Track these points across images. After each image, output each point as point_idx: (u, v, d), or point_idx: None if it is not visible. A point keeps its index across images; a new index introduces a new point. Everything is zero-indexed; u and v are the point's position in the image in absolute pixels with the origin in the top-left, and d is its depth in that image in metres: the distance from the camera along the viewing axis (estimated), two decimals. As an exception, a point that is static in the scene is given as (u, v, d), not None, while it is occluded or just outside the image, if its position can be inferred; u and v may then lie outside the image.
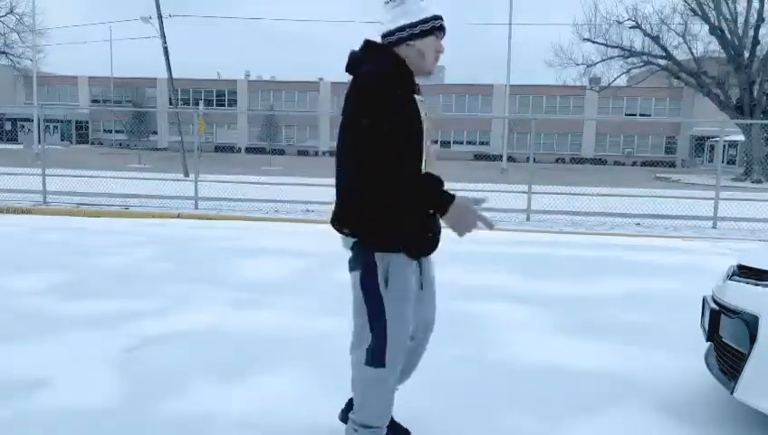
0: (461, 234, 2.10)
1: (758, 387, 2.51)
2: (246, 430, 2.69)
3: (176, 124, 23.25)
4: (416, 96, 2.14)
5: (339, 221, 2.25)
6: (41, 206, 10.29)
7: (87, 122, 55.83)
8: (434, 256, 2.39)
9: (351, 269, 2.25)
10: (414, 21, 2.14)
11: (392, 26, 2.16)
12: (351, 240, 2.21)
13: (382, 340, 2.18)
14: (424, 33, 2.15)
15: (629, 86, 38.76)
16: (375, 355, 2.19)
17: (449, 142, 50.05)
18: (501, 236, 8.47)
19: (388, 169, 2.00)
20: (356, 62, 2.16)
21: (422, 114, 2.13)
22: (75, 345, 3.66)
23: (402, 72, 2.13)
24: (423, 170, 2.13)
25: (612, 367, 3.53)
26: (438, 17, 2.18)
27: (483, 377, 3.39)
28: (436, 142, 3.28)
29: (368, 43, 2.20)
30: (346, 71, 2.18)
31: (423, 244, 2.23)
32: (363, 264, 2.18)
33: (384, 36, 2.18)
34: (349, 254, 2.27)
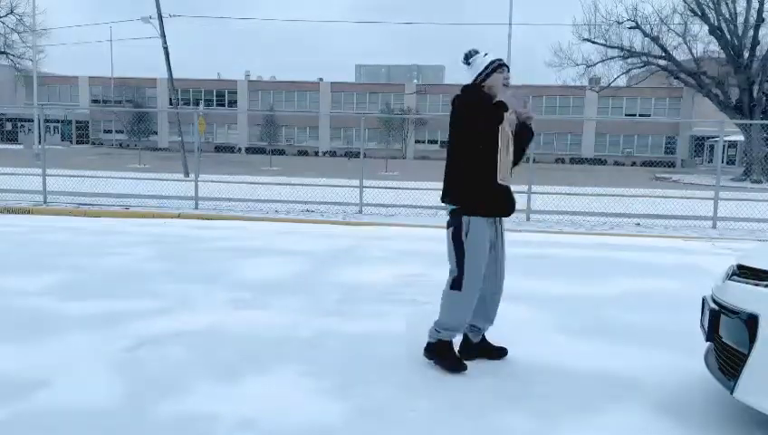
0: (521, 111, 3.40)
1: (758, 387, 2.51)
2: (246, 430, 2.69)
3: (176, 124, 23.26)
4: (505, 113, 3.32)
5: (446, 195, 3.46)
6: (41, 206, 10.29)
7: (87, 122, 55.81)
8: (491, 231, 3.45)
9: (448, 226, 3.44)
10: (481, 70, 3.41)
11: (474, 77, 3.43)
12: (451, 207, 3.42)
13: (461, 273, 3.37)
14: (488, 75, 3.38)
15: (629, 86, 38.74)
16: (455, 283, 3.40)
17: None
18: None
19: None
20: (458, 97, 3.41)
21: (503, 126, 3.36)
22: (75, 345, 3.66)
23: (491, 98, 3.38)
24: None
25: (612, 367, 3.54)
26: (495, 61, 3.41)
27: (483, 376, 3.40)
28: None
29: (466, 86, 3.47)
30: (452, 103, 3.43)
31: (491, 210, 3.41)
32: (455, 223, 3.39)
33: (474, 81, 3.44)
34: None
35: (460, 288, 3.36)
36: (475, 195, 3.32)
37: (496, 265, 3.49)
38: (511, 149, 3.42)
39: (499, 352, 3.65)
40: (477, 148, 3.29)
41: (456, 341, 3.59)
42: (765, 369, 2.48)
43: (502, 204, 3.40)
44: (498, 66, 3.37)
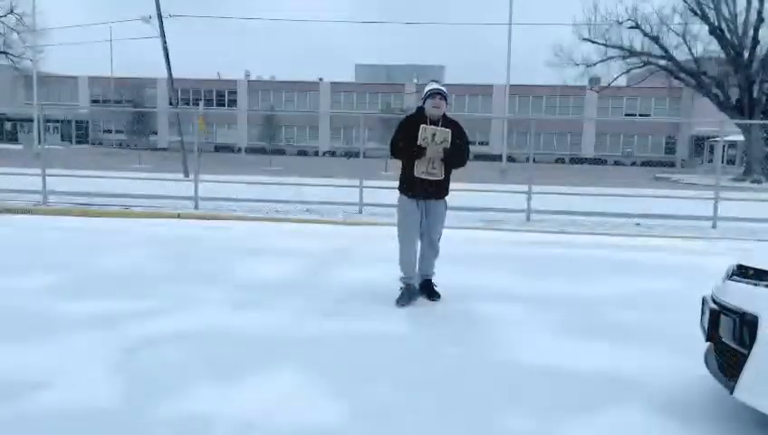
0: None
1: (758, 387, 2.51)
2: (246, 431, 2.69)
3: (176, 124, 23.25)
4: (423, 125, 4.66)
5: None
6: (41, 206, 10.29)
7: (87, 122, 55.77)
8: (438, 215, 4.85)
9: None
10: (422, 97, 4.79)
11: (421, 100, 4.85)
12: None
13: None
14: (425, 99, 4.75)
15: (629, 86, 38.75)
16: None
17: (449, 142, 49.87)
18: (501, 236, 8.46)
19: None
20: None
21: (422, 132, 4.62)
22: (75, 345, 3.66)
23: (419, 113, 4.82)
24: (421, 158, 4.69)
25: (612, 367, 3.53)
26: (429, 91, 4.72)
27: (483, 377, 3.40)
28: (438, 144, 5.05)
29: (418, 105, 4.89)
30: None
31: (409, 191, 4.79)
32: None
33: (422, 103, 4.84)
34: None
35: (399, 243, 4.85)
36: (402, 181, 4.81)
37: (425, 233, 4.80)
38: (434, 153, 4.62)
39: (430, 295, 4.87)
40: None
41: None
42: (765, 369, 2.48)
43: (415, 189, 4.71)
44: (430, 95, 4.70)
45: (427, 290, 4.91)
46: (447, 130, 4.64)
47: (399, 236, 4.85)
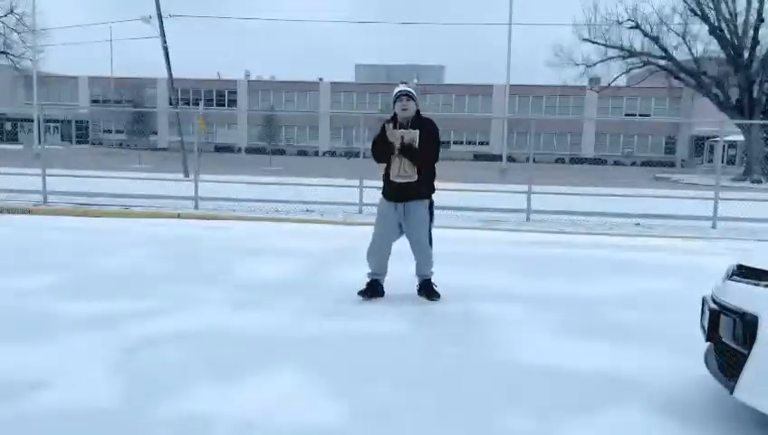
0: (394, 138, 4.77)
1: (758, 387, 2.51)
2: (246, 431, 2.69)
3: (176, 124, 23.25)
4: (391, 127, 4.76)
5: None
6: (41, 206, 10.29)
7: (87, 122, 55.78)
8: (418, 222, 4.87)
9: None
10: (392, 99, 4.87)
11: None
12: None
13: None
14: (394, 102, 4.84)
15: (629, 86, 38.77)
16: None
17: (449, 142, 49.81)
18: (501, 236, 8.46)
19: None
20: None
21: (389, 134, 4.75)
22: (75, 345, 3.66)
23: (393, 118, 4.86)
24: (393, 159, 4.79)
25: (612, 367, 3.53)
26: (396, 94, 4.81)
27: (483, 377, 3.40)
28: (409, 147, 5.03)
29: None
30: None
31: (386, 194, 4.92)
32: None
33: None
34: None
35: (372, 240, 4.99)
36: (383, 185, 4.93)
37: (408, 235, 4.90)
38: (405, 157, 4.71)
39: (430, 295, 4.90)
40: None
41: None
42: (765, 369, 2.48)
43: (391, 193, 4.83)
44: (397, 97, 4.81)
45: (427, 290, 4.94)
46: (415, 130, 4.72)
47: (373, 234, 4.98)
